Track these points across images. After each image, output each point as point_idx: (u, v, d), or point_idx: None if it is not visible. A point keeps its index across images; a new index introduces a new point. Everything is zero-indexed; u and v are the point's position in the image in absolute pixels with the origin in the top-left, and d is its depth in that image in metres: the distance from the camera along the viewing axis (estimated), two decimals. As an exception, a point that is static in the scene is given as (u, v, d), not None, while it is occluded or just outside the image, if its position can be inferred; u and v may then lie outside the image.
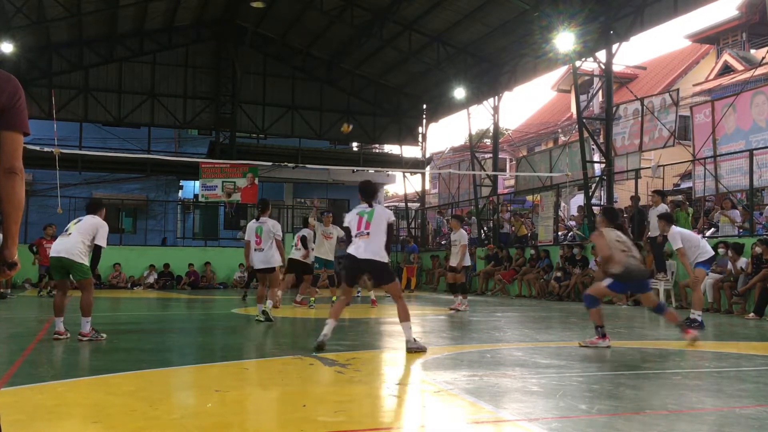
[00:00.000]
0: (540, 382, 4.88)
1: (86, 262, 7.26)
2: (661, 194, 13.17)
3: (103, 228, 7.37)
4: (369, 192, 6.86)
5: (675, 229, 8.92)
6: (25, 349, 6.52)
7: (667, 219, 9.13)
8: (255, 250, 9.34)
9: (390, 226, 6.69)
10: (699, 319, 8.83)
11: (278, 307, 11.57)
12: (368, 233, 6.51)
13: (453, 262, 12.29)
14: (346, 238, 6.86)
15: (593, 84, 22.67)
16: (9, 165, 2.34)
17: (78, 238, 7.19)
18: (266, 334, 8.50)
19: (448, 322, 9.92)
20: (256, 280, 16.67)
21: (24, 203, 2.38)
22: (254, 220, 9.53)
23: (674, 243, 8.70)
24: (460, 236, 12.23)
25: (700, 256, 8.85)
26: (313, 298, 12.54)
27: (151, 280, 21.03)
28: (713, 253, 9.32)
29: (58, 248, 7.24)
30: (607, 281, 6.99)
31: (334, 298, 12.48)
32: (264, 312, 9.21)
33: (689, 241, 8.82)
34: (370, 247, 6.46)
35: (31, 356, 6.15)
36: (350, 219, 6.76)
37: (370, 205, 6.72)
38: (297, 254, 12.62)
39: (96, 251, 7.31)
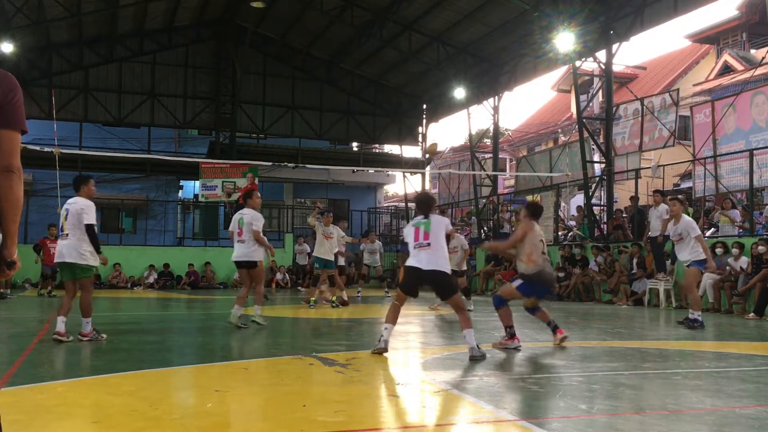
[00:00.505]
0: (540, 382, 4.88)
1: (90, 261, 7.22)
2: (662, 194, 13.17)
3: (89, 207, 7.24)
4: (425, 205, 6.68)
5: (687, 218, 9.17)
6: (25, 349, 6.52)
7: (682, 203, 9.28)
8: (237, 241, 8.83)
9: (449, 235, 6.57)
10: (699, 318, 8.84)
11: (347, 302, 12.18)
12: (429, 244, 6.32)
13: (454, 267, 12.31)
14: (402, 249, 6.76)
15: (593, 84, 22.67)
16: (6, 163, 2.32)
17: (74, 237, 7.15)
18: (266, 334, 8.50)
19: (447, 322, 9.91)
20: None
21: (22, 202, 2.37)
22: (238, 213, 9.05)
23: (693, 230, 8.94)
24: (460, 242, 12.29)
25: (698, 254, 8.88)
26: (313, 299, 12.51)
27: (151, 280, 21.02)
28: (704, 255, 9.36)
29: (62, 251, 7.22)
30: (517, 282, 7.01)
31: (333, 299, 12.47)
32: (253, 320, 8.54)
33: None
34: (433, 258, 6.27)
35: (31, 356, 6.15)
36: (407, 231, 6.67)
37: (426, 216, 6.54)
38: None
39: (89, 231, 7.13)
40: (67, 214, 7.23)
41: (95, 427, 3.54)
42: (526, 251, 6.81)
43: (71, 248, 7.13)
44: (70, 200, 7.30)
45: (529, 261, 6.80)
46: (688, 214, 14.16)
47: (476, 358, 5.90)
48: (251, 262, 8.72)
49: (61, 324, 7.16)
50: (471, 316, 6.79)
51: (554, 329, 7.10)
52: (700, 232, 9.11)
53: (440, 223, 6.48)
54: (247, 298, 8.80)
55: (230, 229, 9.13)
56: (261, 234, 8.76)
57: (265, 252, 8.96)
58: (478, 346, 6.07)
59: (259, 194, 9.38)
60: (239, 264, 8.87)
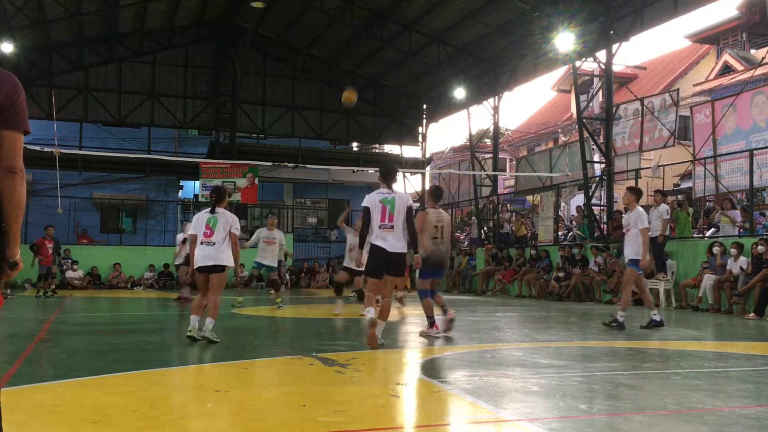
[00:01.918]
0: (540, 382, 4.88)
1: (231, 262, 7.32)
2: (662, 194, 13.17)
3: (235, 219, 7.47)
4: (388, 175, 6.84)
5: (641, 209, 8.85)
6: (25, 349, 6.51)
7: (636, 193, 8.96)
8: (202, 243, 7.29)
9: (409, 209, 6.69)
10: (620, 320, 8.69)
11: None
12: (392, 226, 6.59)
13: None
14: (364, 223, 6.78)
15: (593, 84, 22.67)
16: (9, 164, 2.32)
17: (225, 243, 7.28)
18: (266, 334, 8.50)
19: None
20: (257, 280, 16.61)
21: (25, 203, 2.37)
22: (206, 211, 7.51)
23: (642, 222, 8.61)
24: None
25: (638, 252, 8.63)
26: (279, 299, 12.21)
27: (151, 280, 21.02)
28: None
29: (207, 254, 7.20)
30: (419, 272, 7.69)
31: (279, 300, 12.18)
32: (203, 336, 7.09)
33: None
34: (395, 241, 6.58)
35: (31, 356, 6.15)
36: (372, 203, 6.69)
37: (391, 189, 6.74)
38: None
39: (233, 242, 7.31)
40: (215, 222, 7.28)
41: (95, 427, 3.54)
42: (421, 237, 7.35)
43: (217, 252, 7.23)
44: (218, 215, 7.36)
45: (421, 245, 7.24)
46: (688, 215, 14.20)
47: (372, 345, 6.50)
48: (219, 266, 7.32)
49: (195, 322, 7.19)
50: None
51: (432, 321, 7.70)
52: (647, 226, 8.67)
53: (404, 203, 6.67)
54: (204, 307, 7.41)
55: (192, 231, 7.57)
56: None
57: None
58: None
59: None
60: (203, 269, 7.33)
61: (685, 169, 19.61)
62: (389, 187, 6.76)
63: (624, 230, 9.01)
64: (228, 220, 7.40)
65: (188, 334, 7.11)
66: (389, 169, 6.93)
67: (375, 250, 6.65)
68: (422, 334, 7.62)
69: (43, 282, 16.21)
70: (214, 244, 7.29)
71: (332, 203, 28.74)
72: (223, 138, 24.66)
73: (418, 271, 7.72)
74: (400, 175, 29.00)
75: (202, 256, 7.28)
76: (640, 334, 8.46)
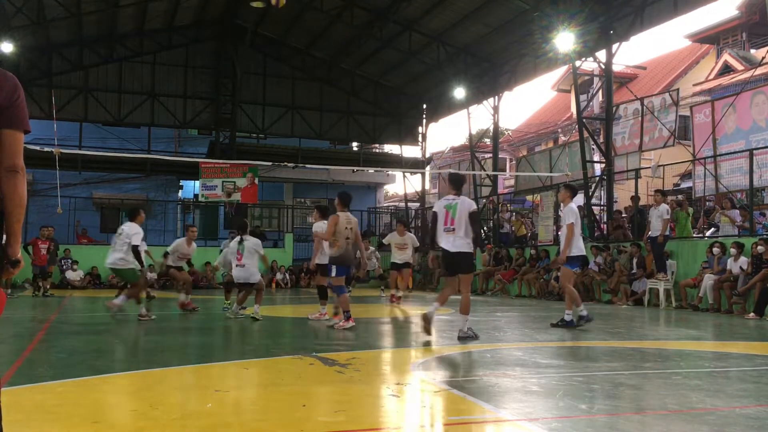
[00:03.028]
0: (540, 382, 4.88)
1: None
2: (663, 194, 13.17)
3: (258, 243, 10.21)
4: (458, 183, 7.52)
5: (574, 206, 8.78)
6: (25, 349, 6.51)
7: (571, 190, 8.92)
8: (236, 266, 9.98)
9: (472, 215, 7.23)
10: (575, 317, 8.69)
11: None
12: (453, 229, 7.16)
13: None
14: (431, 230, 7.48)
15: (593, 84, 22.67)
16: (10, 163, 2.34)
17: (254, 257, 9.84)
18: (266, 334, 8.51)
19: (447, 322, 9.91)
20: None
21: (26, 201, 2.38)
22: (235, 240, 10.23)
23: (568, 217, 8.55)
24: (410, 240, 13.57)
25: (575, 249, 8.57)
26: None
27: (151, 280, 20.98)
28: (584, 252, 9.17)
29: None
30: (333, 270, 8.47)
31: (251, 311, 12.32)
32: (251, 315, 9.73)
33: (577, 227, 8.64)
34: (458, 241, 7.14)
35: (31, 356, 6.15)
36: (438, 209, 7.35)
37: (458, 194, 7.35)
38: (399, 257, 13.40)
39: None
40: (245, 244, 10.17)
41: (95, 427, 3.54)
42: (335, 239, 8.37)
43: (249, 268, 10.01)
44: (247, 242, 10.08)
45: (335, 246, 8.36)
46: (688, 214, 14.20)
47: (463, 339, 7.14)
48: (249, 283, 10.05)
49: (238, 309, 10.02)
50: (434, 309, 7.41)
51: (347, 317, 8.44)
52: (572, 222, 8.49)
53: (466, 208, 7.22)
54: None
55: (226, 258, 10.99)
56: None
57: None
58: (469, 329, 7.23)
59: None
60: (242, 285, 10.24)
61: (685, 169, 19.61)
62: (456, 193, 7.39)
63: (560, 228, 9.00)
64: (253, 246, 9.90)
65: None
66: (457, 177, 7.65)
67: (441, 251, 7.41)
68: (337, 327, 8.33)
69: (37, 282, 16.20)
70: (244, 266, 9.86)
71: (332, 203, 28.71)
72: (223, 138, 24.65)
73: (334, 269, 8.49)
74: (399, 175, 29.23)
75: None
76: (640, 334, 8.46)
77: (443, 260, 7.65)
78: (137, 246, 9.50)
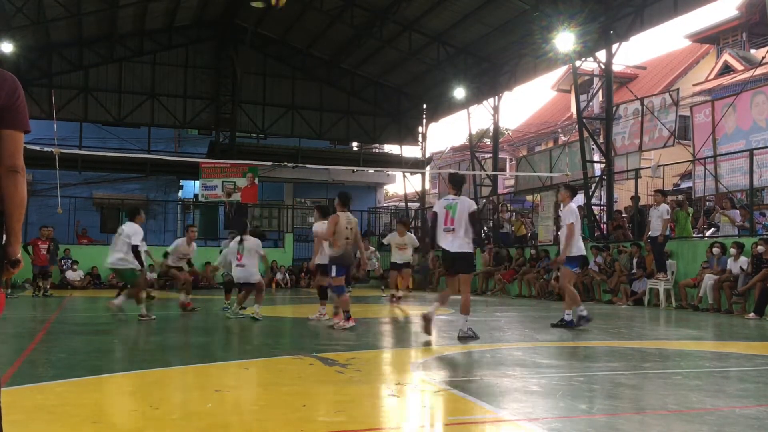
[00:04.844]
0: (540, 382, 4.88)
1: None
2: (663, 194, 13.16)
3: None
4: (458, 183, 7.52)
5: (574, 206, 8.77)
6: (25, 349, 6.51)
7: (570, 190, 8.93)
8: (236, 266, 10.08)
9: (472, 215, 7.21)
10: (574, 317, 8.69)
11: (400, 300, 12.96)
12: (453, 229, 7.14)
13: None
14: (431, 230, 7.48)
15: (593, 84, 22.66)
16: (10, 163, 2.34)
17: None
18: (266, 334, 8.51)
19: (447, 322, 9.91)
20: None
21: (26, 202, 2.38)
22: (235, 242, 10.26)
23: (568, 218, 8.52)
24: (410, 240, 13.57)
25: (575, 249, 8.56)
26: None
27: (151, 280, 20.97)
28: (584, 252, 9.14)
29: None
30: (334, 270, 8.49)
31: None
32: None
33: (578, 227, 8.63)
34: (457, 241, 7.12)
35: (31, 356, 6.15)
36: (438, 209, 7.34)
37: (458, 194, 7.35)
38: (399, 257, 13.45)
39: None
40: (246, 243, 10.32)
41: (95, 427, 3.54)
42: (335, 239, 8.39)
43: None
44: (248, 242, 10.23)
45: (335, 246, 8.40)
46: (688, 214, 14.20)
47: (463, 339, 7.07)
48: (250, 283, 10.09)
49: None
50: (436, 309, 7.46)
51: (347, 317, 8.46)
52: (572, 222, 8.44)
53: (466, 208, 7.20)
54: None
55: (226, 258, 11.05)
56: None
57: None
58: (468, 329, 7.16)
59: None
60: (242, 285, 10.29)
61: (685, 169, 19.61)
62: (456, 193, 7.39)
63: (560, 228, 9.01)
64: (253, 246, 9.99)
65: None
66: (457, 177, 7.68)
67: (441, 251, 7.41)
68: (337, 328, 8.32)
69: (37, 282, 16.20)
70: (244, 266, 9.98)
71: (332, 203, 28.69)
72: (223, 138, 24.65)
73: (334, 269, 8.50)
74: (399, 175, 29.24)
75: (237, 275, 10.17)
76: (640, 334, 8.46)
77: (443, 260, 7.67)
78: (137, 246, 9.51)
